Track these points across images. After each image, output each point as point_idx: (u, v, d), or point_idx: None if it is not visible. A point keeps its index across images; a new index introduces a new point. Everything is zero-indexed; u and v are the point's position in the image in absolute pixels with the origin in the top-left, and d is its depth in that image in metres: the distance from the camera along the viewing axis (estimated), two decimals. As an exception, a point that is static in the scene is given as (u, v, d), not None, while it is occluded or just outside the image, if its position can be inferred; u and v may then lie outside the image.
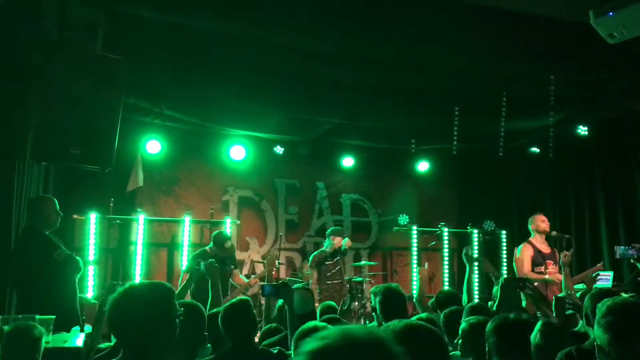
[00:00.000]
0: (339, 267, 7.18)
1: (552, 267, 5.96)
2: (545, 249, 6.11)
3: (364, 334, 1.10)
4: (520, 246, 6.22)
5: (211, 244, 6.26)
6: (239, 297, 3.17)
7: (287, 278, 8.07)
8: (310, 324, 2.67)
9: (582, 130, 7.46)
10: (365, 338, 1.09)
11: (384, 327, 1.87)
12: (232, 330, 2.88)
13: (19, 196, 4.51)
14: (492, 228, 8.54)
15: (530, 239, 6.21)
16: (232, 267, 6.22)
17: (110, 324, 2.01)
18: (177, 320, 1.97)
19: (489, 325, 2.47)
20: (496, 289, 4.20)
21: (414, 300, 5.32)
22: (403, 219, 8.68)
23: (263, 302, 7.72)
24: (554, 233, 6.18)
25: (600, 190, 7.53)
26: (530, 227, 6.24)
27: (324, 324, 2.73)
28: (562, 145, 7.74)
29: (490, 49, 5.43)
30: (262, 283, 5.34)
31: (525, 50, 5.44)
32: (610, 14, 3.46)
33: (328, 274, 7.05)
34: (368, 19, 5.04)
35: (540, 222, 6.16)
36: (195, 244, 7.83)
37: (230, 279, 6.22)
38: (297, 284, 5.89)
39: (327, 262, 7.07)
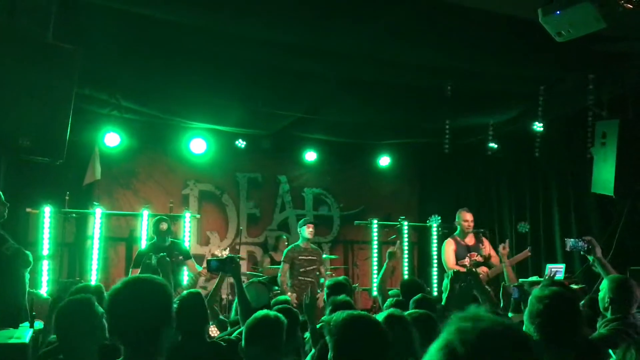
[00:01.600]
0: (314, 267, 6.89)
1: (475, 258, 6.33)
2: (469, 241, 6.58)
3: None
4: (444, 242, 6.71)
5: (153, 237, 6.24)
6: (188, 290, 3.15)
7: (248, 272, 8.05)
8: (262, 312, 2.67)
9: (538, 126, 7.63)
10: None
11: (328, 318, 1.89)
12: (182, 323, 2.86)
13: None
14: (438, 222, 8.72)
15: (454, 234, 6.69)
16: (180, 257, 6.10)
17: (109, 318, 1.91)
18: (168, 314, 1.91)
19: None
20: (446, 283, 4.30)
21: (377, 282, 5.41)
22: (435, 220, 8.70)
23: (224, 297, 7.70)
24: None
25: (553, 185, 7.74)
26: (455, 221, 6.69)
27: (275, 312, 2.73)
28: (518, 140, 7.93)
29: (449, 44, 5.51)
30: (208, 258, 5.29)
31: (482, 46, 5.54)
32: (557, 12, 3.55)
33: (301, 270, 6.81)
34: (331, 11, 5.05)
35: (463, 221, 6.63)
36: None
37: (185, 268, 6.20)
38: (254, 279, 5.89)
39: (300, 257, 6.85)
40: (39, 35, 4.30)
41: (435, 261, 9.09)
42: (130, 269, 6.26)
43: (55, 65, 4.14)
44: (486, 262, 6.43)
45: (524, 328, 2.27)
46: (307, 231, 6.86)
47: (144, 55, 5.79)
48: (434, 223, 8.76)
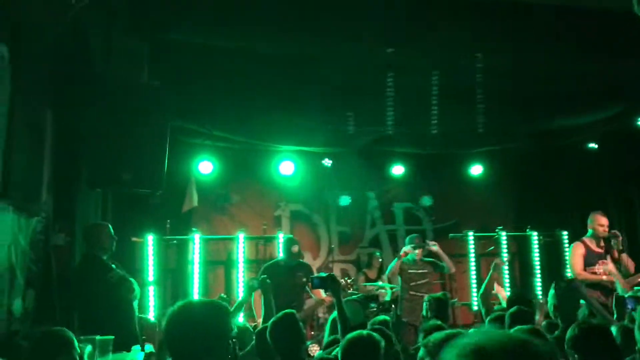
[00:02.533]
0: (426, 280, 6.64)
1: (605, 266, 5.74)
2: (597, 248, 5.94)
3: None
4: (572, 245, 6.11)
5: (283, 255, 6.27)
6: (284, 312, 3.19)
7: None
8: (356, 332, 2.65)
9: (642, 122, 7.11)
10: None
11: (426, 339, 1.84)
12: (279, 344, 2.89)
13: (80, 222, 4.74)
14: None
15: (584, 237, 6.07)
16: (304, 279, 5.92)
17: (166, 339, 2.04)
18: (231, 339, 2.00)
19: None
20: (551, 293, 4.06)
21: (479, 296, 5.18)
22: None
23: (321, 315, 7.73)
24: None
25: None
26: (588, 225, 6.04)
27: (373, 333, 2.70)
28: (620, 139, 7.40)
29: (543, 44, 5.29)
30: (311, 276, 5.28)
31: (579, 42, 5.27)
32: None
33: (412, 284, 6.58)
34: (411, 23, 5.03)
35: (598, 225, 5.96)
36: (250, 261, 7.96)
37: (309, 290, 6.07)
38: (348, 297, 5.85)
39: (410, 271, 6.63)
40: (133, 76, 4.62)
41: (538, 271, 8.64)
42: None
43: (149, 102, 4.43)
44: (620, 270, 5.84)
45: (636, 338, 2.10)
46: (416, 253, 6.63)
47: (230, 84, 6.03)
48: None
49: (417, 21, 5.10)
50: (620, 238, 5.88)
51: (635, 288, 4.86)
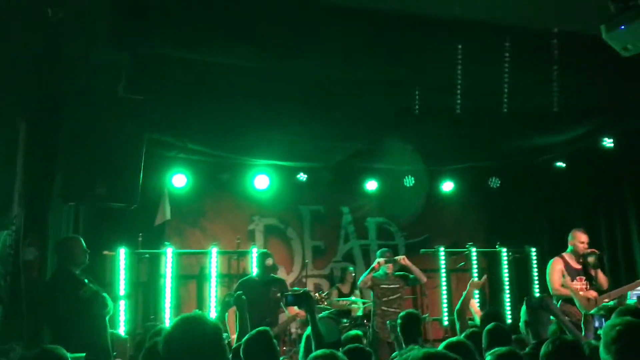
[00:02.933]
0: (398, 294, 6.63)
1: (581, 283, 5.87)
2: (576, 264, 6.03)
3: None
4: (551, 260, 6.16)
5: (257, 270, 6.21)
6: (258, 329, 3.19)
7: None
8: (323, 351, 2.65)
9: (608, 142, 7.34)
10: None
11: (405, 357, 1.88)
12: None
13: (51, 236, 4.66)
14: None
15: (563, 253, 6.16)
16: (279, 294, 5.87)
17: (164, 355, 2.03)
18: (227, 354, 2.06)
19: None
20: (523, 309, 4.15)
21: (455, 312, 5.24)
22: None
23: (293, 331, 7.72)
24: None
25: (631, 202, 7.36)
26: (569, 241, 6.15)
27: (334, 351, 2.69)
28: (588, 158, 7.64)
29: (516, 66, 5.44)
30: (285, 293, 5.24)
31: (546, 63, 5.44)
32: (622, 27, 3.44)
33: (384, 299, 6.54)
34: (383, 44, 5.12)
35: (578, 242, 6.05)
36: (223, 275, 7.91)
37: (283, 305, 6.05)
38: (323, 313, 5.86)
39: (382, 286, 6.58)
40: (111, 89, 4.59)
41: (507, 287, 8.79)
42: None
43: (126, 116, 4.40)
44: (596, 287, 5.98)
45: (601, 357, 2.18)
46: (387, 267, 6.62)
47: (207, 98, 6.03)
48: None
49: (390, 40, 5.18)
50: (596, 255, 5.96)
51: (603, 304, 5.00)
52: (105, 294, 4.35)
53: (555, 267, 6.01)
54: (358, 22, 4.94)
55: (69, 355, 3.36)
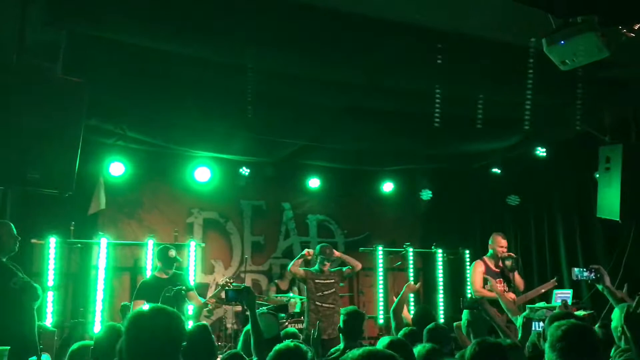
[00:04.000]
0: (333, 290, 6.50)
1: (501, 285, 6.19)
2: (495, 267, 6.39)
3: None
4: (473, 263, 6.53)
5: (157, 266, 5.83)
6: (196, 324, 3.13)
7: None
8: (283, 344, 2.63)
9: (541, 151, 7.68)
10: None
11: (345, 356, 1.90)
12: (190, 357, 2.84)
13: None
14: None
15: (484, 256, 6.52)
16: (183, 290, 5.37)
17: (127, 340, 2.08)
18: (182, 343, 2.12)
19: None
20: (466, 311, 4.29)
21: (391, 310, 5.30)
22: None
23: (229, 326, 7.64)
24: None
25: (558, 210, 7.74)
26: (489, 245, 6.47)
27: (297, 343, 2.70)
28: (522, 165, 7.96)
29: (450, 73, 5.57)
30: (226, 288, 5.11)
31: (485, 74, 5.61)
32: (562, 42, 3.61)
33: (318, 294, 6.40)
34: (334, 42, 5.12)
35: (498, 246, 6.44)
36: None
37: (188, 300, 5.79)
38: (262, 309, 5.83)
39: (316, 281, 6.45)
40: (48, 70, 4.37)
41: (441, 287, 9.05)
42: (133, 301, 5.79)
43: (64, 98, 4.20)
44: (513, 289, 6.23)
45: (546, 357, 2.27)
46: (322, 264, 6.49)
47: (148, 86, 5.85)
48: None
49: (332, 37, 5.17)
50: (513, 259, 6.32)
51: (528, 306, 5.23)
52: (37, 285, 4.13)
53: (477, 269, 6.36)
54: (306, 17, 4.92)
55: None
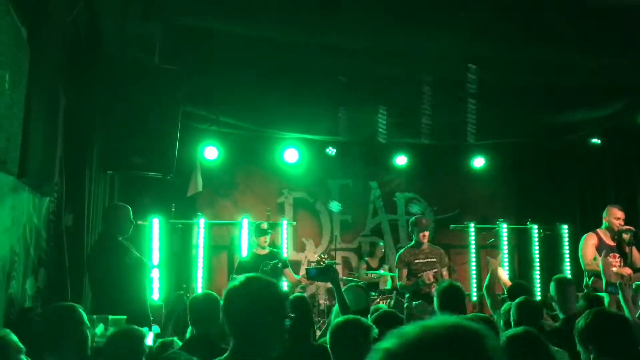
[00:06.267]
0: (435, 270, 5.94)
1: (616, 260, 5.78)
2: (610, 241, 5.93)
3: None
4: (585, 235, 6.07)
5: (254, 243, 6.24)
6: (294, 295, 3.25)
7: (344, 278, 8.14)
8: (349, 316, 2.65)
9: (646, 119, 7.15)
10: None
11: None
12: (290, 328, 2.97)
13: (90, 204, 4.80)
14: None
15: (597, 229, 6.04)
16: (279, 264, 5.63)
17: (225, 313, 2.06)
18: (287, 317, 2.07)
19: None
20: (553, 285, 4.16)
21: (484, 288, 5.15)
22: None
23: (322, 302, 7.83)
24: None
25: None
26: (603, 217, 6.05)
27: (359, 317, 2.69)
28: (624, 135, 7.46)
29: (543, 38, 5.32)
30: (306, 267, 5.24)
31: (579, 37, 5.30)
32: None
33: (419, 275, 5.89)
34: (418, 16, 5.05)
35: (614, 218, 5.92)
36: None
37: (283, 276, 6.10)
38: (350, 283, 5.91)
39: (416, 261, 6.02)
40: (146, 60, 4.65)
41: (537, 265, 8.73)
42: (232, 277, 6.13)
43: (162, 86, 4.46)
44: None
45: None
46: (420, 236, 6.07)
47: (240, 71, 6.06)
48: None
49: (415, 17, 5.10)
50: (632, 232, 5.81)
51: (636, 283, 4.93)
52: (147, 261, 4.47)
53: (589, 242, 5.92)
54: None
55: (110, 317, 3.52)
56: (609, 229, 5.96)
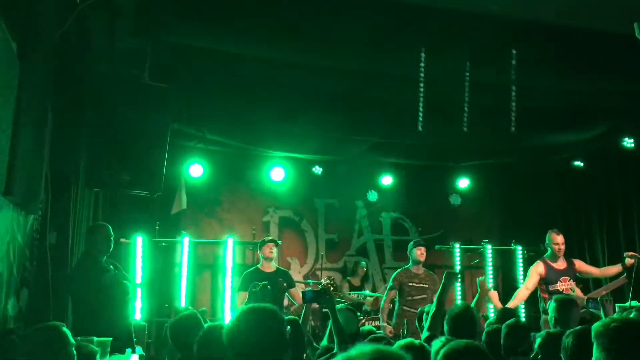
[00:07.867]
0: (424, 296, 6.19)
1: (567, 283, 5.94)
2: (559, 265, 6.10)
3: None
4: (534, 263, 6.27)
5: (260, 258, 6.25)
6: (286, 318, 3.19)
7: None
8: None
9: (628, 142, 7.28)
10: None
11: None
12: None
13: (75, 222, 4.70)
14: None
15: (545, 256, 6.23)
16: (285, 284, 5.80)
17: (229, 344, 2.06)
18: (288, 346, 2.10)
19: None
20: (553, 306, 4.16)
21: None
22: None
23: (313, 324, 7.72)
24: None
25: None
26: (545, 243, 6.23)
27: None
28: (607, 158, 7.57)
29: (533, 62, 5.39)
30: (303, 290, 5.26)
31: (568, 62, 5.39)
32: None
33: (409, 298, 6.20)
34: (406, 39, 5.09)
35: (553, 243, 6.13)
36: (238, 265, 7.93)
37: (289, 296, 6.16)
38: (340, 305, 5.85)
39: (410, 284, 6.30)
40: (136, 77, 4.61)
41: (522, 286, 8.74)
42: (238, 292, 6.09)
43: (151, 104, 4.43)
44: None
45: None
46: (417, 253, 6.39)
47: (227, 89, 6.04)
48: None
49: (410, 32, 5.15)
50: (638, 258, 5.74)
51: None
52: (127, 282, 4.38)
53: (535, 269, 6.12)
54: (379, 13, 4.92)
55: (95, 338, 3.42)
56: (553, 254, 6.12)
